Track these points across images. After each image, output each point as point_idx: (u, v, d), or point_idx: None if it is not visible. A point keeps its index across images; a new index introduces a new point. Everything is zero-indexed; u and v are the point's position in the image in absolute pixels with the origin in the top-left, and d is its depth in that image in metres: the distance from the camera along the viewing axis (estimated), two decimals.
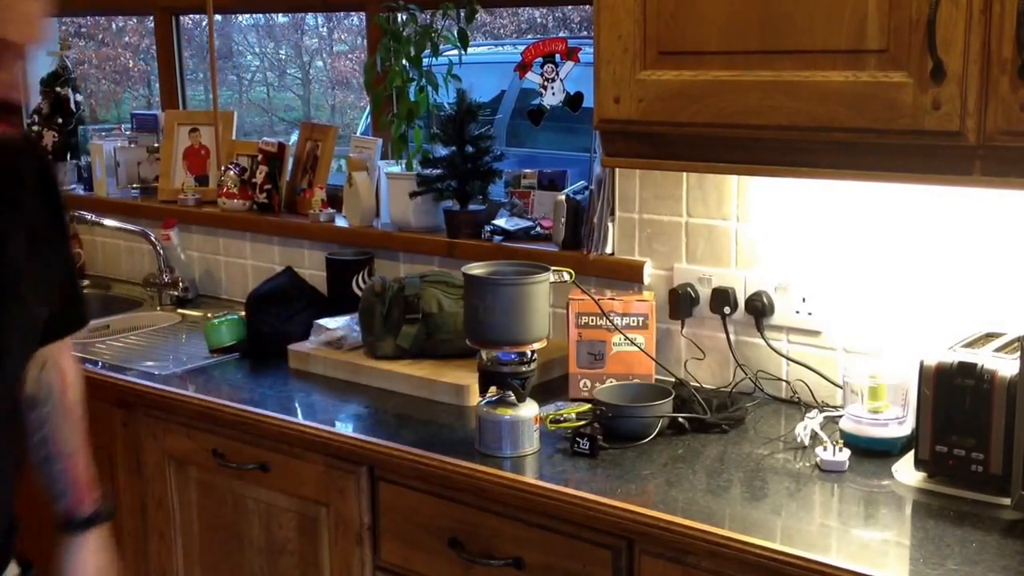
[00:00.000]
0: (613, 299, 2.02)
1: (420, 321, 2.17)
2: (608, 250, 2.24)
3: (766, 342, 2.03)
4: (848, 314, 1.95)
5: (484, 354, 1.79)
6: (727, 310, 2.07)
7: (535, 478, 1.70)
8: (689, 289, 2.12)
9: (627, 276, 2.20)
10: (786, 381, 2.03)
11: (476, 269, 1.81)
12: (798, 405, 1.98)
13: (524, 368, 1.77)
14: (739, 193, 2.05)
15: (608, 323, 1.99)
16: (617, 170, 2.18)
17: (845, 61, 1.54)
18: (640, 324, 2.01)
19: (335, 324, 2.29)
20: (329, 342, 2.26)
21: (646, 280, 2.18)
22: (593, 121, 1.81)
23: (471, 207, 2.47)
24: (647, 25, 1.72)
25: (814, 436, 1.79)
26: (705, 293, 2.10)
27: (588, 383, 2.01)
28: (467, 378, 2.03)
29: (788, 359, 2.02)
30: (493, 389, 1.80)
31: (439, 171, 2.46)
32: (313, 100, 7.45)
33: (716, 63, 1.66)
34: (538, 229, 2.44)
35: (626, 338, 2.00)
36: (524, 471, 1.73)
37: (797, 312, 2.00)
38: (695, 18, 1.67)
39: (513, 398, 1.78)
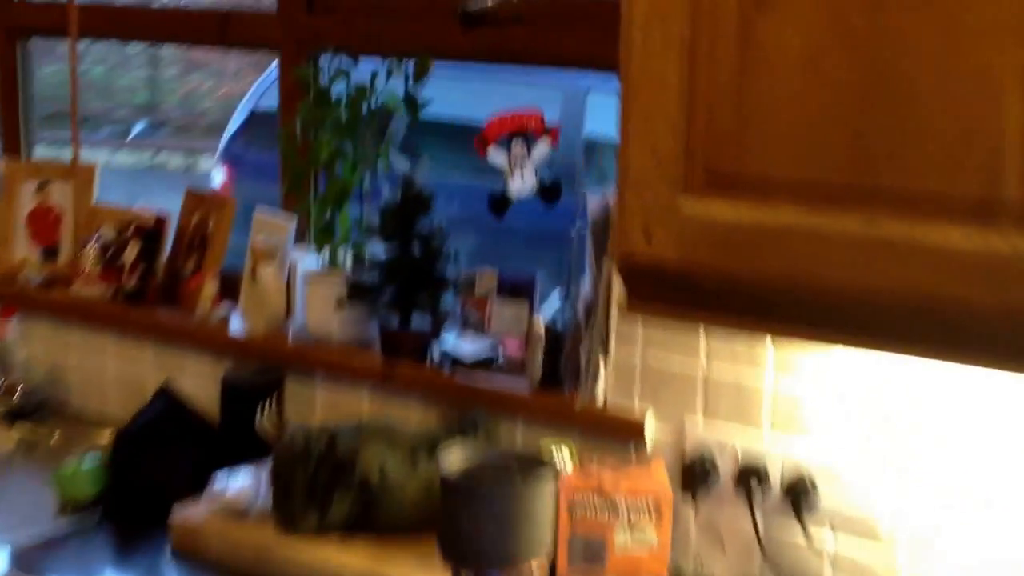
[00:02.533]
0: (616, 474, 1.75)
1: (356, 492, 1.87)
2: (598, 397, 1.97)
3: (806, 537, 1.78)
4: (922, 513, 1.72)
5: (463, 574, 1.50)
6: (756, 489, 1.82)
7: None
8: (705, 457, 1.86)
9: (621, 434, 1.94)
10: None
11: (455, 460, 1.53)
12: None
13: None
14: (773, 343, 1.81)
15: (612, 513, 1.72)
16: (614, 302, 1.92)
17: (967, 213, 1.30)
18: (650, 511, 1.74)
19: (236, 483, 1.97)
20: (228, 509, 1.94)
21: (648, 442, 1.92)
22: (611, 249, 1.54)
23: (414, 324, 2.18)
24: (691, 138, 1.46)
25: None
26: (726, 464, 1.85)
27: None
28: (423, 567, 1.74)
29: (836, 564, 1.78)
30: None
31: (376, 277, 2.16)
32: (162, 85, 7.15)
33: (786, 196, 1.40)
34: (504, 353, 2.16)
35: (633, 535, 1.73)
36: None
37: (852, 503, 1.76)
38: (761, 131, 1.41)
39: None
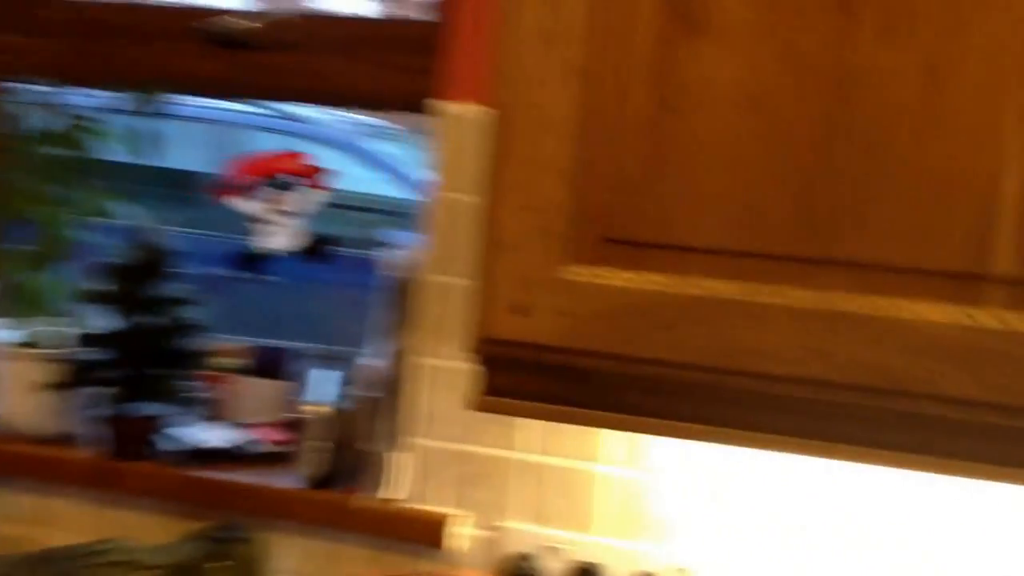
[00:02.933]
0: None
1: None
2: (390, 493, 1.65)
3: None
4: None
5: None
6: None
7: None
8: (528, 564, 1.58)
9: (418, 536, 1.63)
10: None
11: None
12: None
13: None
14: None
15: None
16: (422, 373, 1.62)
17: (949, 288, 1.10)
18: None
19: None
20: None
21: (456, 543, 1.62)
22: (469, 340, 1.24)
23: (140, 410, 1.77)
24: (586, 192, 1.19)
25: None
26: (554, 570, 1.58)
27: None
28: None
29: None
30: None
31: (95, 354, 1.74)
32: None
33: (712, 264, 1.16)
34: (262, 447, 1.79)
35: None
36: None
37: None
38: (681, 186, 1.16)
39: None
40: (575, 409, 1.25)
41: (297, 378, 1.84)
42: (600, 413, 1.25)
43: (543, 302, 1.20)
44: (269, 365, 1.88)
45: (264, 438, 1.80)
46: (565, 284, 1.19)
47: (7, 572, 1.46)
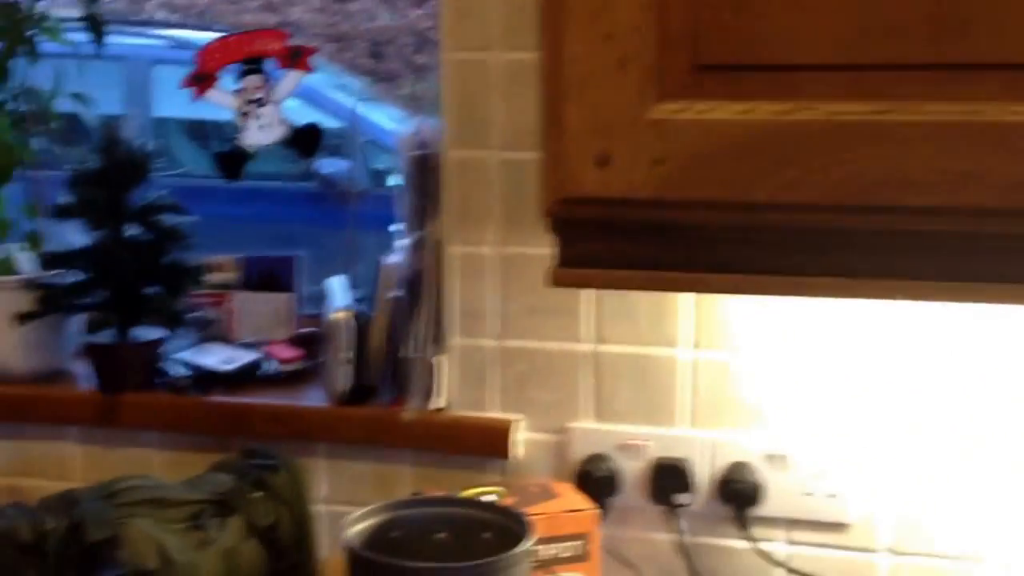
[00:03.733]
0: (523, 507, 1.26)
1: None
2: (439, 403, 1.47)
3: (753, 545, 1.38)
4: (898, 495, 1.36)
5: None
6: (679, 497, 1.39)
7: None
8: (603, 465, 1.41)
9: (478, 447, 1.45)
10: None
11: (363, 526, 0.98)
12: None
13: None
14: (696, 301, 1.38)
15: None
16: (453, 266, 1.43)
17: None
18: (576, 554, 1.27)
19: None
20: None
21: (517, 451, 1.44)
22: (542, 203, 1.05)
23: (136, 336, 1.57)
24: (671, 12, 0.99)
25: None
26: (634, 469, 1.41)
27: None
28: None
29: (793, 571, 1.38)
30: None
31: (77, 275, 1.53)
32: None
33: (829, 83, 0.98)
34: (274, 366, 1.60)
35: None
36: None
37: (807, 494, 1.37)
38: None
39: None
40: (670, 273, 1.07)
41: (302, 289, 1.65)
42: (701, 275, 1.06)
43: (628, 148, 1.01)
44: (269, 277, 1.68)
45: (276, 356, 1.61)
46: (653, 125, 1.01)
47: (32, 519, 1.26)
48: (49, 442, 1.58)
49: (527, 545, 0.91)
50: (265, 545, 1.35)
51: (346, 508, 1.46)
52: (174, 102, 3.70)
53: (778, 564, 1.38)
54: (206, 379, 1.56)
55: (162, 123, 4.18)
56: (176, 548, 1.28)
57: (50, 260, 1.54)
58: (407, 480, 1.47)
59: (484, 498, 1.19)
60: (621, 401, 1.41)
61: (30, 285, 1.55)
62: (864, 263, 1.01)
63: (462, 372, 1.45)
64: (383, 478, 1.48)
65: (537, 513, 1.24)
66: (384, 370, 1.48)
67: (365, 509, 0.99)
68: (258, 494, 1.37)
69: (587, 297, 1.40)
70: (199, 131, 4.11)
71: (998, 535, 1.31)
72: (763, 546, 1.38)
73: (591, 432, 1.41)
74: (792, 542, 1.38)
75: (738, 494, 1.37)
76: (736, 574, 1.39)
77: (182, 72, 1.48)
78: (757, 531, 1.38)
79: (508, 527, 0.99)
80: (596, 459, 1.41)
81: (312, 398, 1.53)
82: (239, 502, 1.35)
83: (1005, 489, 1.30)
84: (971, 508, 1.32)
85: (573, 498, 1.31)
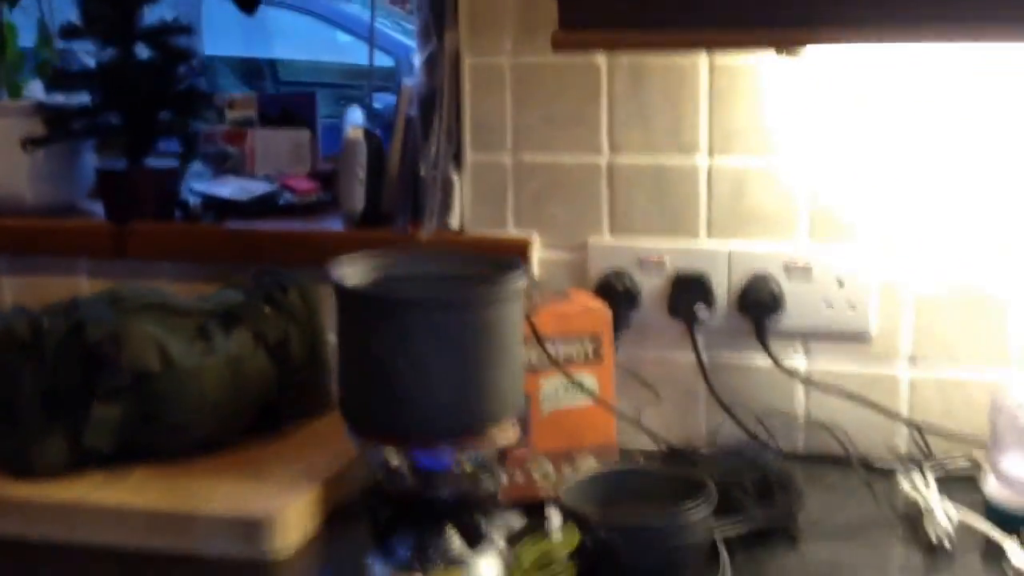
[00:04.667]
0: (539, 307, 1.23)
1: (127, 393, 1.24)
2: (453, 223, 1.44)
3: (773, 359, 1.34)
4: (922, 304, 1.32)
5: (391, 455, 0.93)
6: (699, 311, 1.36)
7: None
8: (623, 280, 1.38)
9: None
10: (825, 427, 1.35)
11: (354, 271, 0.95)
12: (845, 464, 1.31)
13: (482, 482, 0.94)
14: (710, 104, 1.34)
15: (544, 357, 1.21)
16: (469, 79, 1.39)
17: None
18: (588, 355, 1.24)
19: None
20: None
21: (535, 268, 1.41)
22: None
23: (151, 163, 1.55)
24: None
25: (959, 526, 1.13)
26: (652, 285, 1.37)
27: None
28: (257, 495, 1.17)
29: (813, 384, 1.35)
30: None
31: (86, 98, 1.51)
32: None
33: None
34: (290, 198, 1.58)
35: (571, 384, 1.22)
36: None
37: (828, 306, 1.33)
38: None
39: (457, 549, 0.95)
40: (672, 33, 1.03)
41: (314, 125, 1.62)
42: (705, 32, 1.02)
43: None
44: (288, 114, 1.66)
45: (292, 188, 1.59)
46: None
47: (31, 320, 1.24)
48: (59, 276, 1.56)
49: (518, 275, 0.89)
50: (274, 359, 1.33)
51: None
52: None
53: (798, 378, 1.34)
54: (221, 208, 1.54)
55: None
56: (179, 352, 1.26)
57: (58, 81, 1.52)
58: None
59: None
60: (638, 214, 1.37)
61: (39, 109, 1.53)
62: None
63: (476, 190, 1.42)
64: None
65: (548, 311, 1.21)
66: (400, 193, 1.45)
67: (355, 255, 0.97)
68: (267, 308, 1.35)
69: (603, 97, 1.36)
70: None
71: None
72: (783, 361, 1.34)
73: (609, 247, 1.38)
74: (813, 356, 1.35)
75: (757, 305, 1.33)
76: (755, 390, 1.36)
77: None
78: (776, 345, 1.34)
79: (501, 268, 0.96)
80: (614, 275, 1.38)
81: (327, 225, 1.51)
82: (247, 314, 1.33)
83: None
84: (1000, 308, 1.28)
85: (587, 300, 1.28)
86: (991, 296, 1.28)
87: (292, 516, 1.15)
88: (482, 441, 0.91)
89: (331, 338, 1.40)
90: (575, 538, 1.04)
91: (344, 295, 0.91)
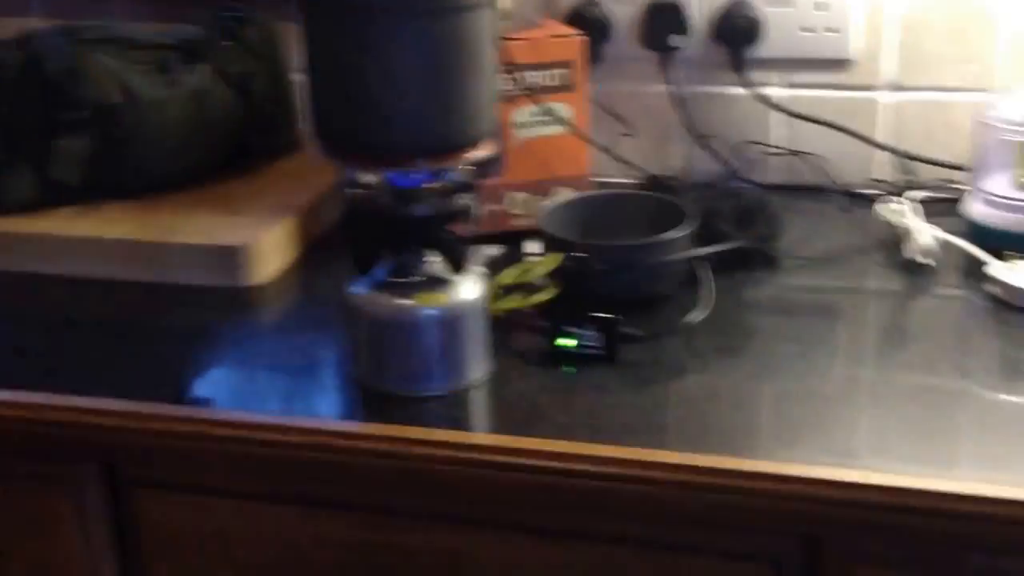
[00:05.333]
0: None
1: (90, 127, 1.21)
2: None
3: (750, 88, 1.32)
4: (907, 24, 1.29)
5: (366, 174, 0.90)
6: (673, 39, 1.32)
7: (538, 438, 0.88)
8: (594, 9, 1.34)
9: None
10: (798, 153, 1.33)
11: None
12: (824, 193, 1.30)
13: (460, 199, 0.92)
14: None
15: (516, 86, 1.18)
16: None
17: None
18: (559, 82, 1.21)
19: None
20: None
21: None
22: None
23: None
24: None
25: (942, 244, 1.13)
26: (625, 14, 1.33)
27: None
28: (232, 226, 1.15)
29: (794, 115, 1.33)
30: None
31: None
32: None
33: None
34: None
35: (544, 112, 1.19)
36: (498, 425, 0.92)
37: (806, 31, 1.30)
38: None
39: (438, 270, 0.93)
40: None
41: None
42: None
43: None
44: None
45: None
46: None
47: None
48: (10, 16, 1.49)
49: None
50: (238, 94, 1.29)
51: None
52: None
53: (776, 107, 1.32)
54: None
55: None
56: (141, 85, 1.22)
57: None
58: None
59: None
60: None
61: None
62: None
63: None
64: None
65: (520, 39, 1.18)
66: None
67: None
68: (229, 43, 1.30)
69: None
70: None
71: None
72: (760, 90, 1.31)
73: None
74: (791, 84, 1.33)
75: (735, 32, 1.30)
76: (732, 121, 1.34)
77: None
78: (754, 75, 1.31)
79: None
80: (586, 3, 1.33)
81: None
82: (208, 49, 1.29)
83: None
84: (988, 26, 1.26)
85: (559, 28, 1.24)
86: (979, 12, 1.25)
87: (268, 245, 1.13)
88: (459, 159, 0.88)
89: (295, 77, 1.36)
90: (555, 260, 1.03)
91: (315, 4, 0.86)
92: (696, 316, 1.02)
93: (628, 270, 1.04)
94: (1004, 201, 1.13)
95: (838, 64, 1.30)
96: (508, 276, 1.03)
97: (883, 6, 1.27)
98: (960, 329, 1.03)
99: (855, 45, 1.29)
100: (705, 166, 1.34)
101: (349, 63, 0.84)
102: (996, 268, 1.07)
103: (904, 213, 1.18)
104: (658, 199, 1.14)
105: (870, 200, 1.24)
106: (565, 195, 1.17)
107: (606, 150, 1.27)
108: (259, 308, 1.10)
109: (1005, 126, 1.12)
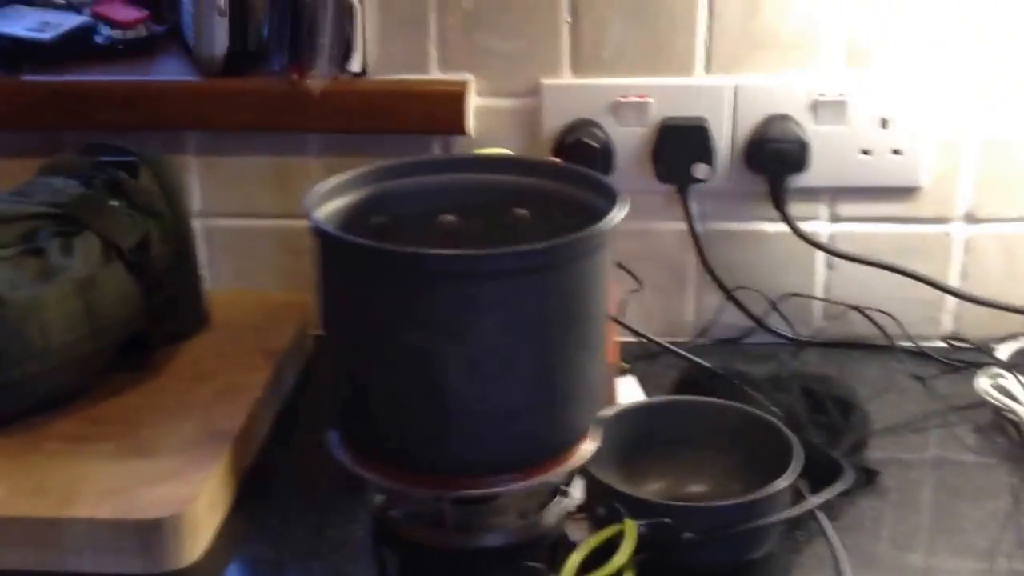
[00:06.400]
0: None
1: None
2: (354, 65, 1.06)
3: (792, 227, 1.05)
4: (981, 147, 1.04)
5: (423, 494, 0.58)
6: (695, 169, 1.04)
7: None
8: (591, 132, 1.05)
9: (413, 123, 1.06)
10: (860, 309, 1.07)
11: (331, 206, 0.59)
12: (886, 353, 1.05)
13: (546, 518, 0.61)
14: None
15: None
16: None
17: None
18: None
19: None
20: None
21: (470, 122, 1.06)
22: None
23: None
24: None
25: None
26: (631, 137, 1.05)
27: None
28: (142, 476, 0.82)
29: (842, 256, 1.06)
30: None
31: None
32: None
33: None
34: (110, 33, 1.17)
35: None
36: None
37: (865, 152, 1.04)
38: None
39: None
40: None
41: None
42: None
43: None
44: None
45: (111, 19, 1.17)
46: None
47: None
48: None
49: (615, 217, 0.54)
50: (134, 272, 0.96)
51: (231, 221, 1.09)
52: None
53: (821, 247, 1.05)
54: (15, 52, 1.12)
55: None
56: (7, 281, 0.88)
57: None
58: (316, 176, 1.08)
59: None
60: (611, 44, 1.03)
61: None
62: None
63: (386, 16, 1.05)
64: (282, 176, 1.10)
65: None
66: (274, 23, 1.06)
67: (332, 182, 0.60)
68: (114, 203, 0.97)
69: None
70: None
71: None
72: (802, 225, 1.05)
73: (571, 89, 1.04)
74: (839, 218, 1.06)
75: (774, 158, 1.02)
76: (765, 265, 1.07)
77: None
78: (795, 208, 1.05)
79: (551, 197, 0.61)
80: (580, 126, 1.04)
81: (171, 71, 1.11)
82: (89, 214, 0.95)
83: None
84: None
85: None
86: None
87: (201, 507, 0.81)
88: (559, 463, 0.58)
89: (196, 225, 1.04)
90: (631, 536, 0.74)
91: (346, 254, 0.55)
92: None
93: (729, 536, 0.75)
94: None
95: (903, 192, 1.04)
96: (573, 566, 0.73)
97: (962, 121, 1.01)
98: None
99: (926, 170, 1.03)
100: (729, 323, 1.07)
101: (412, 342, 0.53)
102: None
103: (1015, 390, 0.92)
104: (727, 408, 0.86)
105: (943, 363, 0.99)
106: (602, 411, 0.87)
107: (615, 319, 0.98)
108: None
109: None
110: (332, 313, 0.56)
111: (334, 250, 0.54)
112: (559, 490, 0.59)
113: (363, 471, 0.57)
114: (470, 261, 0.51)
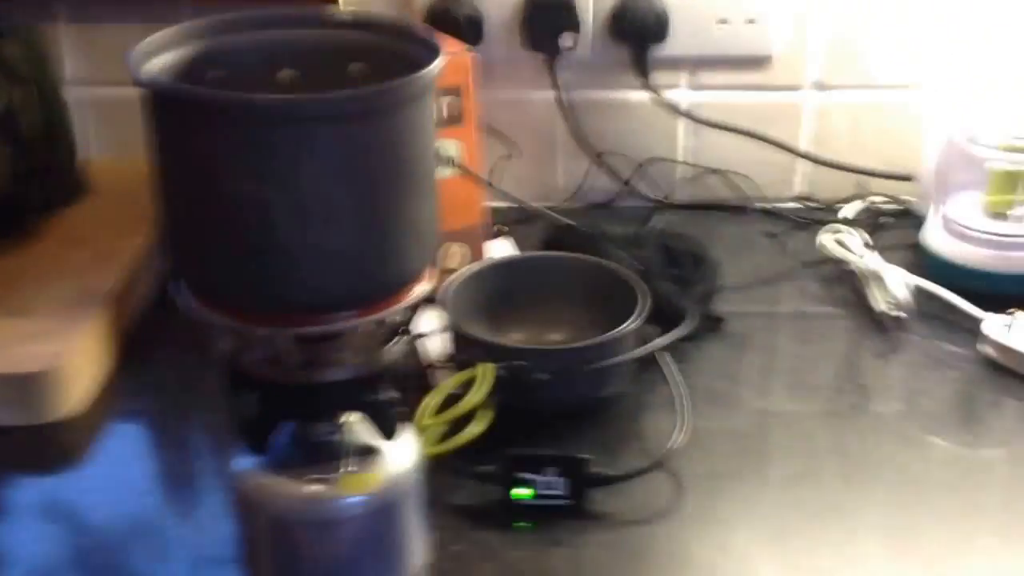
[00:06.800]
0: None
1: None
2: None
3: (653, 93, 1.09)
4: (820, 18, 1.09)
5: (264, 333, 0.62)
6: (562, 39, 1.08)
7: None
8: (460, 3, 1.07)
9: None
10: (719, 171, 1.12)
11: (161, 59, 0.62)
12: (742, 214, 1.10)
13: (391, 352, 0.66)
14: None
15: None
16: None
17: None
18: (450, 114, 0.95)
19: None
20: None
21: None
22: None
23: None
24: None
25: (916, 292, 0.94)
26: (500, 7, 1.08)
27: None
28: (19, 334, 0.85)
29: (701, 122, 1.11)
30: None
31: None
32: None
33: None
34: None
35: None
36: None
37: (723, 22, 1.08)
38: None
39: (362, 442, 0.67)
40: None
41: None
42: None
43: None
44: None
45: None
46: None
47: None
48: None
49: (432, 69, 0.58)
50: (3, 138, 0.97)
51: (109, 90, 1.10)
52: None
53: (682, 114, 1.10)
54: None
55: None
56: None
57: None
58: None
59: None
60: None
61: None
62: None
63: None
64: None
65: None
66: None
67: (160, 36, 0.62)
68: None
69: None
70: None
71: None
72: (664, 94, 1.09)
73: None
74: (699, 86, 1.10)
75: (636, 28, 1.06)
76: (630, 131, 1.11)
77: None
78: (658, 77, 1.09)
79: (386, 50, 0.64)
80: None
81: None
82: None
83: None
84: (907, 37, 1.07)
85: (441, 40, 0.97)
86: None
87: (77, 362, 0.84)
88: (396, 304, 0.62)
89: (68, 94, 1.05)
90: (487, 378, 0.79)
91: (173, 102, 0.57)
92: (678, 440, 0.79)
93: (580, 376, 0.80)
94: (976, 230, 0.95)
95: (757, 62, 1.08)
96: (430, 407, 0.78)
97: None
98: (966, 405, 0.85)
99: (778, 39, 1.07)
100: (598, 186, 1.11)
101: (242, 190, 0.56)
102: (991, 326, 0.89)
103: (854, 245, 0.98)
104: (586, 262, 0.90)
105: (795, 221, 1.04)
106: (468, 267, 0.92)
107: (487, 183, 1.01)
108: (71, 456, 0.82)
109: (968, 135, 0.95)
110: (165, 168, 0.59)
111: (164, 100, 0.57)
112: (403, 330, 0.63)
113: (207, 315, 0.60)
114: (295, 106, 0.54)
